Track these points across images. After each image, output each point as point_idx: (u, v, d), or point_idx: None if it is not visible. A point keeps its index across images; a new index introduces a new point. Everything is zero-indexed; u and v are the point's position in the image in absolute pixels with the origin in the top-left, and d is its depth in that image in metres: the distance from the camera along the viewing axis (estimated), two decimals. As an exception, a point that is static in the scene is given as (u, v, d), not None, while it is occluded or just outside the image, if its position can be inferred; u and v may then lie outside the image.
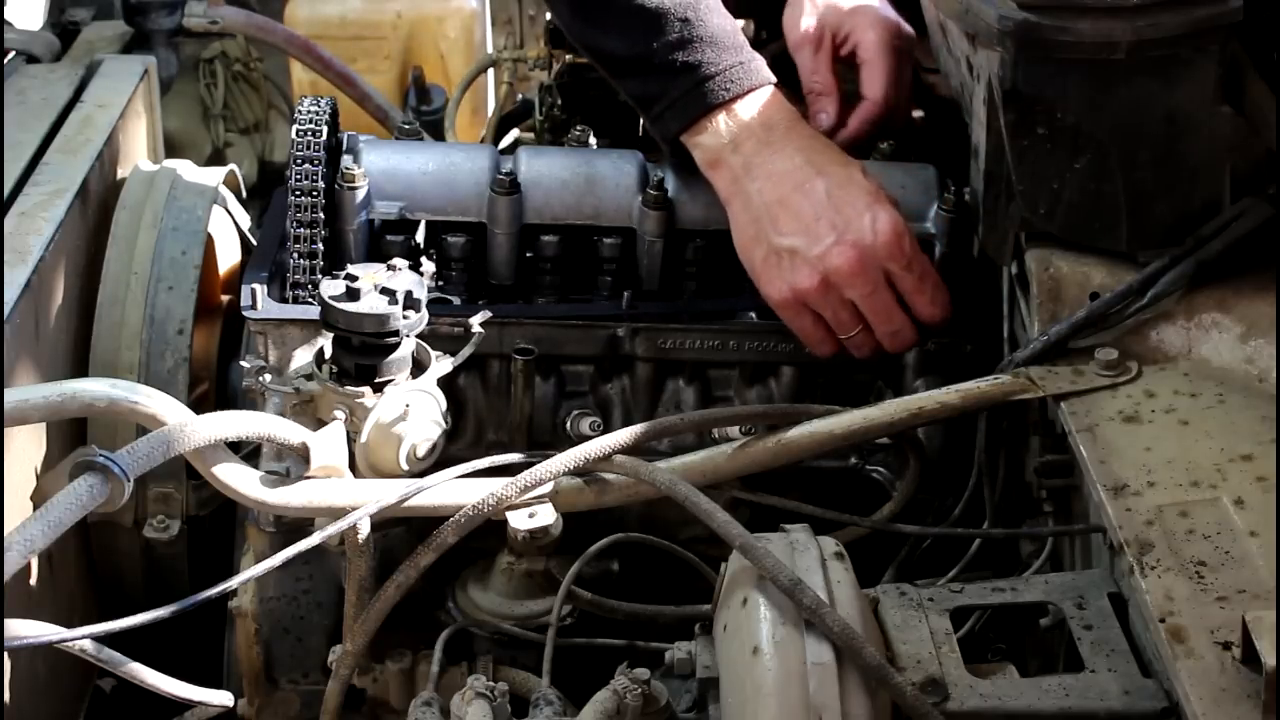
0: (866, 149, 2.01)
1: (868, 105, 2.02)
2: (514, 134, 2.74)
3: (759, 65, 1.82)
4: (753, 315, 1.89)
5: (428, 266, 1.72)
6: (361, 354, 1.66)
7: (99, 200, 2.16)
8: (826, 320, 1.79)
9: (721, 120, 1.78)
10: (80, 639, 1.42)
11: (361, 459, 1.64)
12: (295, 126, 1.86)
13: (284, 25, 2.96)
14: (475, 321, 1.78)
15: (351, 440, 1.63)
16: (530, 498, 1.61)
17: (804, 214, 1.75)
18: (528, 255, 1.89)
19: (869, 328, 1.79)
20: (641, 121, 2.16)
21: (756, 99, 1.80)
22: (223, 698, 1.59)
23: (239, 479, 1.55)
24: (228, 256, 2.33)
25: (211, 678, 1.88)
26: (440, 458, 1.67)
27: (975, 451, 1.77)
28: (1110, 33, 1.56)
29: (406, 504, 1.58)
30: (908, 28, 2.08)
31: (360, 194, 1.85)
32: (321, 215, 1.82)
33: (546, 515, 1.62)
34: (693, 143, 1.81)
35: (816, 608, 1.34)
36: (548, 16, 2.57)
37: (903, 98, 2.08)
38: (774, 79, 1.83)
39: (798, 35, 2.07)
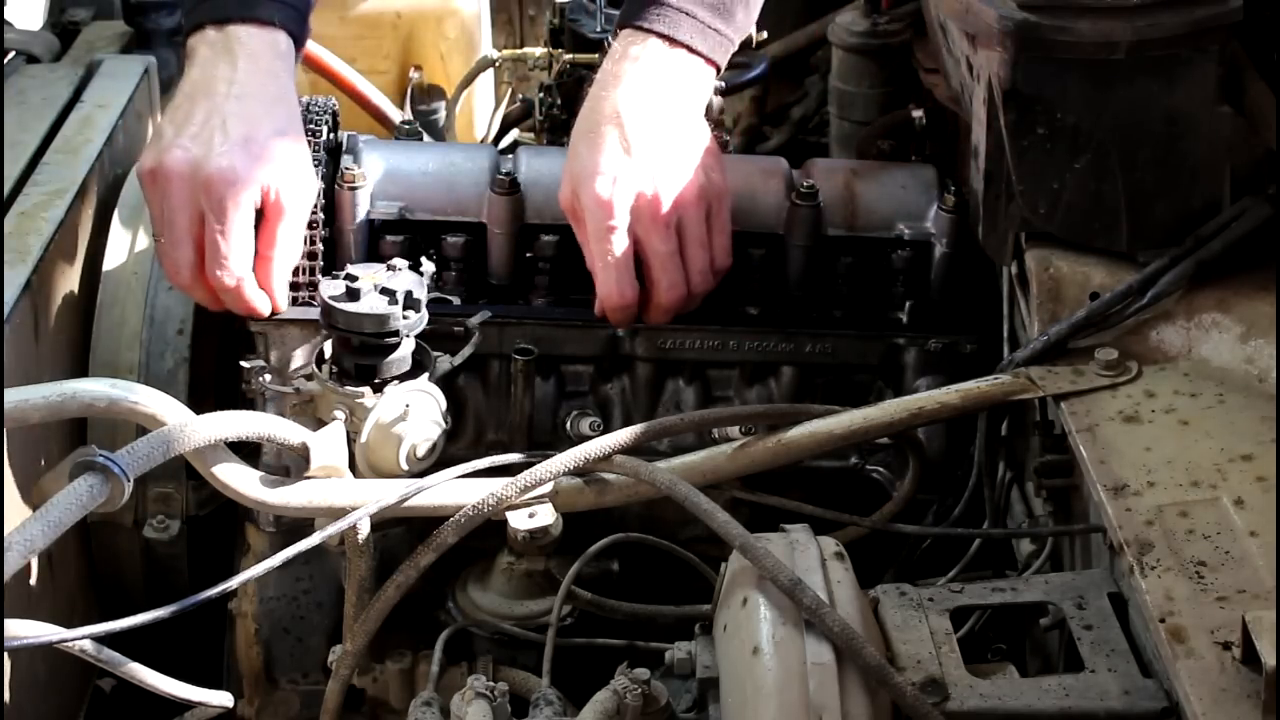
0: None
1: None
2: (514, 134, 2.74)
3: None
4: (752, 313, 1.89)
5: (427, 266, 1.72)
6: (361, 354, 1.66)
7: (99, 200, 2.15)
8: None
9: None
10: (80, 639, 1.41)
11: (361, 459, 1.64)
12: (295, 126, 1.85)
13: (284, 25, 2.95)
14: (475, 321, 1.78)
15: (351, 440, 1.63)
16: (530, 498, 1.61)
17: (194, 119, 1.74)
18: (527, 255, 1.89)
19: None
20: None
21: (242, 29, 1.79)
22: (223, 698, 1.59)
23: (239, 479, 1.55)
24: (228, 256, 2.32)
25: (211, 678, 1.87)
26: (440, 458, 1.67)
27: (975, 451, 1.78)
28: (1110, 33, 1.56)
29: (406, 504, 1.59)
30: None
31: (360, 194, 1.85)
32: (321, 215, 1.82)
33: (546, 515, 1.62)
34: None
35: (816, 608, 1.34)
36: (548, 16, 2.58)
37: None
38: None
39: None
